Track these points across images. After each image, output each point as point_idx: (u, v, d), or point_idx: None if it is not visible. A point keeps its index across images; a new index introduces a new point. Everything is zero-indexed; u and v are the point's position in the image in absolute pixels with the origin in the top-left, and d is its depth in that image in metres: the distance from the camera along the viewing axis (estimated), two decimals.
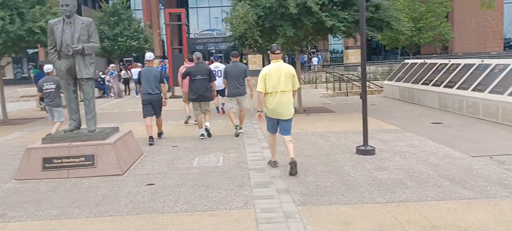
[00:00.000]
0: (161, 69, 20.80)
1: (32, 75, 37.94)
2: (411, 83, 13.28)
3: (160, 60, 23.34)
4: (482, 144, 7.01)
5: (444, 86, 11.36)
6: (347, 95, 16.22)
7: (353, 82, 18.05)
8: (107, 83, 19.66)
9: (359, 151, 6.48)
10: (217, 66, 11.94)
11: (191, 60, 10.61)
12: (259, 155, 6.72)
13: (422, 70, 13.38)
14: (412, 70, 14.01)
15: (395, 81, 14.66)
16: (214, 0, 46.74)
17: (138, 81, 8.21)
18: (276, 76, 5.53)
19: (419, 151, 6.56)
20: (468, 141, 7.28)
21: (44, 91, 8.70)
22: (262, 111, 5.76)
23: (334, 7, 10.80)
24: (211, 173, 5.68)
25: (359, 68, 24.64)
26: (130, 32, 23.15)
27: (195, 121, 8.97)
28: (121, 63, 35.09)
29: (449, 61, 12.40)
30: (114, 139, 5.95)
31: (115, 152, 5.68)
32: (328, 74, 20.38)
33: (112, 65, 19.81)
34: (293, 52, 14.37)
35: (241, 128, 8.67)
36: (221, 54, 45.17)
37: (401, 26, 11.33)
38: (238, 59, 8.96)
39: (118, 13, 23.26)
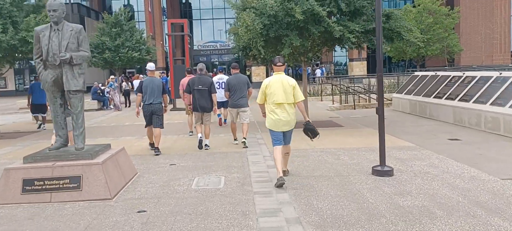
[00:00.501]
0: (162, 80, 20.33)
1: None
2: (423, 96, 12.66)
3: (160, 72, 22.85)
4: (511, 164, 6.37)
5: (459, 100, 10.73)
6: (355, 108, 15.61)
7: (360, 95, 17.44)
8: (106, 95, 19.15)
9: (376, 172, 5.86)
10: (221, 78, 11.82)
11: (189, 72, 10.95)
12: (265, 175, 6.11)
13: (433, 83, 12.77)
14: (423, 83, 13.40)
15: (405, 94, 14.05)
16: (217, 11, 46.56)
17: (139, 91, 8.06)
18: (276, 88, 5.54)
19: (442, 172, 5.92)
20: (493, 161, 6.63)
21: None
22: (265, 113, 5.86)
23: (342, 17, 10.27)
24: (211, 198, 5.06)
25: (365, 80, 24.10)
26: (132, 43, 22.71)
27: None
28: (123, 75, 34.78)
29: (463, 73, 11.79)
30: (104, 158, 5.35)
31: (104, 173, 5.08)
32: (334, 86, 19.75)
33: (112, 77, 19.31)
34: (299, 64, 13.86)
35: (244, 138, 8.45)
36: (225, 66, 44.83)
37: (412, 37, 10.75)
38: (238, 70, 8.92)
39: (120, 24, 22.86)
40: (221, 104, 11.26)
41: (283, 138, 5.71)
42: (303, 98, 5.89)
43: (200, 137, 8.32)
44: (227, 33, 23.83)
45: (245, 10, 10.91)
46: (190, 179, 5.98)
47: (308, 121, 5.89)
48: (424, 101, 12.38)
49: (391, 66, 47.00)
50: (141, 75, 23.01)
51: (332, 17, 10.50)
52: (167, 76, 19.95)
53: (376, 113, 6.00)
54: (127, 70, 39.24)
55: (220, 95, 11.23)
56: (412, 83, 14.10)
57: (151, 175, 6.26)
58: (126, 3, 46.47)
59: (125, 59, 22.34)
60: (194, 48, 43.91)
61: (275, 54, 10.93)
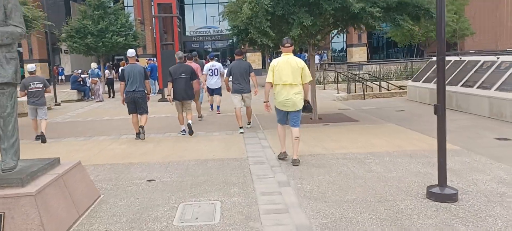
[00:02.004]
0: (148, 68, 18.48)
1: None
2: (447, 84, 10.98)
3: (148, 59, 20.94)
4: None
5: (497, 90, 9.09)
6: (364, 98, 13.92)
7: (370, 83, 15.74)
8: (88, 84, 17.29)
9: (434, 195, 4.17)
10: (214, 65, 11.66)
11: (190, 58, 10.51)
12: (277, 198, 4.41)
13: (459, 69, 11.11)
14: (446, 69, 11.71)
15: (422, 82, 12.38)
16: None
17: (122, 79, 8.06)
18: (284, 69, 5.62)
19: None
20: None
21: (30, 90, 8.44)
22: (268, 102, 5.98)
23: None
24: None
25: (369, 67, 22.40)
26: (117, 27, 20.74)
27: (198, 117, 10.04)
28: (111, 62, 32.74)
29: (498, 58, 10.13)
30: (42, 183, 3.62)
31: (38, 208, 3.36)
32: (337, 73, 18.04)
33: (94, 64, 17.41)
34: (304, 48, 12.12)
35: (249, 123, 8.91)
36: (218, 53, 42.91)
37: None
38: (242, 57, 8.98)
39: (103, 6, 20.86)
40: (212, 92, 11.36)
41: (290, 118, 5.81)
42: (311, 79, 6.02)
43: (184, 130, 8.39)
44: (221, 16, 21.94)
45: None
46: (173, 206, 4.27)
47: (307, 100, 5.95)
48: (449, 90, 10.69)
49: (389, 52, 45.31)
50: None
51: None
52: (156, 63, 18.08)
53: (435, 113, 4.28)
54: (115, 57, 37.18)
55: (212, 82, 11.28)
56: (431, 70, 12.43)
57: (119, 200, 4.53)
58: None
59: (109, 45, 20.41)
60: (186, 35, 41.85)
61: (281, 36, 9.18)
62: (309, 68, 10.53)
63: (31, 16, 9.33)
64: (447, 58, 12.49)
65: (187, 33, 42.45)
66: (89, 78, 17.30)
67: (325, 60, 37.16)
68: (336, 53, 45.38)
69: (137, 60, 18.15)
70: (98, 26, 20.24)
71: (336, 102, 13.54)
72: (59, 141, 8.45)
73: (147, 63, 19.65)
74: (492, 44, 30.99)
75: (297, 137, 5.73)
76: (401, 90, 14.37)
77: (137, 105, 7.96)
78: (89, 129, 9.92)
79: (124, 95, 8.01)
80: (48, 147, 7.91)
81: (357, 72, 20.04)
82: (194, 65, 10.11)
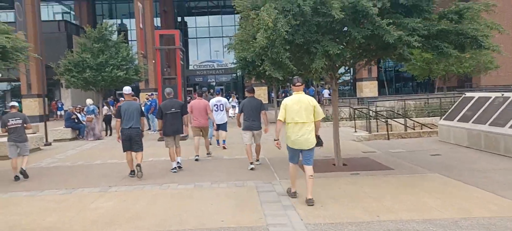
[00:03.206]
0: (151, 103, 17.20)
1: None
2: (490, 125, 9.55)
3: (149, 94, 19.68)
4: None
5: None
6: (389, 138, 12.44)
7: (391, 121, 14.29)
8: (83, 122, 15.94)
9: None
10: (219, 100, 11.53)
11: (200, 95, 10.29)
12: None
13: (504, 107, 9.68)
14: (484, 107, 10.30)
15: (457, 121, 10.93)
16: (214, 30, 43.91)
17: (118, 116, 7.89)
18: (296, 107, 5.69)
19: None
20: None
21: (9, 126, 8.27)
22: (279, 140, 5.93)
23: (396, 14, 7.20)
24: None
25: (377, 102, 20.99)
26: (117, 60, 19.59)
27: (206, 153, 10.07)
28: (111, 97, 31.57)
29: None
30: None
31: None
32: (354, 110, 16.65)
33: (89, 100, 16.11)
34: (323, 82, 10.84)
35: (257, 160, 8.78)
36: (222, 87, 41.90)
37: (490, 44, 7.64)
38: (253, 94, 8.82)
39: (104, 39, 19.80)
40: (218, 127, 11.18)
41: (303, 157, 5.80)
42: (324, 116, 6.16)
43: (175, 167, 8.35)
44: (227, 48, 20.84)
45: (254, 9, 7.89)
46: None
47: (318, 135, 5.90)
48: (496, 132, 9.24)
49: (397, 86, 44.08)
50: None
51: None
52: (156, 98, 16.79)
53: None
54: (117, 92, 36.07)
55: (217, 117, 11.07)
56: (467, 107, 11.00)
57: None
58: (120, 22, 43.86)
59: (109, 79, 19.18)
60: (190, 68, 40.99)
61: (301, 68, 7.85)
62: (332, 104, 9.22)
63: (12, 47, 8.08)
64: (484, 94, 11.10)
65: (191, 67, 41.66)
66: (86, 115, 15.97)
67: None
68: (346, 88, 44.26)
69: (134, 97, 16.88)
70: (98, 60, 19.11)
71: (357, 143, 12.07)
72: (34, 194, 6.97)
73: (147, 99, 18.41)
74: (510, 79, 29.68)
75: (311, 175, 5.68)
76: (430, 130, 12.91)
77: (132, 142, 7.79)
78: (75, 176, 8.45)
79: (121, 131, 7.84)
80: (18, 203, 6.44)
81: (373, 108, 18.65)
82: (204, 102, 9.96)
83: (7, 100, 36.66)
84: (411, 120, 14.58)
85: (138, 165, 7.68)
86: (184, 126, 8.69)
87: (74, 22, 38.80)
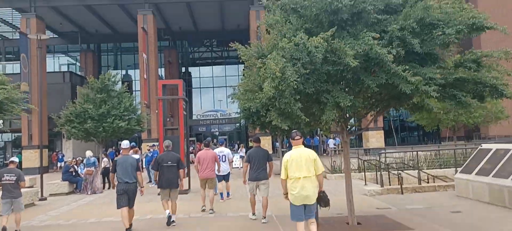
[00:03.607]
0: (152, 155, 16.66)
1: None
2: None
3: (150, 145, 19.20)
4: None
5: None
6: (402, 193, 11.73)
7: (404, 172, 13.57)
8: (81, 175, 15.33)
9: None
10: (222, 151, 11.26)
11: (207, 145, 10.14)
12: None
13: None
14: (505, 160, 9.69)
15: (476, 175, 10.28)
16: (218, 80, 44.12)
17: (113, 170, 7.92)
18: (297, 163, 5.72)
19: None
20: None
21: (3, 182, 8.25)
22: (287, 193, 5.84)
23: (413, 63, 6.80)
24: None
25: (385, 153, 20.33)
26: (120, 111, 19.31)
27: (210, 209, 9.55)
28: (113, 147, 31.06)
29: None
30: None
31: None
32: (364, 162, 15.99)
33: (89, 152, 15.61)
34: (328, 133, 10.43)
35: (264, 217, 8.37)
36: (226, 137, 41.44)
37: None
38: (259, 144, 8.78)
39: (107, 89, 19.63)
40: (221, 178, 11.06)
41: (306, 212, 5.75)
42: (324, 170, 6.29)
43: (169, 214, 8.34)
44: (231, 98, 20.54)
45: (260, 58, 7.56)
46: None
47: (323, 191, 5.93)
48: None
49: (402, 135, 43.45)
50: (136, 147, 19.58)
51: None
52: (158, 149, 16.27)
53: None
54: (119, 143, 35.55)
55: (221, 168, 10.76)
56: (485, 160, 10.39)
57: None
58: (124, 72, 44.25)
59: (110, 129, 18.82)
60: (193, 118, 40.74)
61: (311, 117, 7.37)
62: (344, 157, 8.64)
63: (6, 98, 7.72)
64: (502, 146, 10.52)
65: (194, 117, 41.42)
66: (84, 168, 15.38)
67: (338, 144, 35.34)
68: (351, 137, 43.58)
69: (135, 149, 16.45)
70: (100, 110, 18.82)
71: (369, 198, 11.36)
72: None
73: (149, 150, 17.90)
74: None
75: (313, 222, 5.80)
76: (445, 183, 12.21)
77: (129, 198, 7.71)
78: None
79: (116, 186, 7.79)
80: None
81: (382, 159, 17.98)
82: (211, 152, 9.83)
83: (8, 151, 36.25)
84: (423, 172, 13.87)
85: (128, 228, 7.72)
86: (179, 180, 8.66)
87: (79, 73, 39.12)
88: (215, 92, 44.13)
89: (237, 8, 32.53)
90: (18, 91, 8.78)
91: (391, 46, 6.33)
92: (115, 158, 8.87)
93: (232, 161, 12.26)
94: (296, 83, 6.20)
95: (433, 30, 6.36)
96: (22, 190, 13.07)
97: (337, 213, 8.80)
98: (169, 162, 8.33)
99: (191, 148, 32.44)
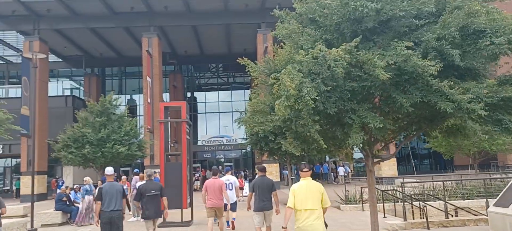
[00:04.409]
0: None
1: (14, 188, 32.84)
2: None
3: (153, 171, 18.14)
4: None
5: None
6: (428, 227, 10.52)
7: (426, 204, 12.30)
8: (76, 204, 14.24)
9: None
10: (229, 179, 11.10)
11: (215, 173, 9.88)
12: None
13: None
14: None
15: None
16: (224, 105, 43.33)
17: (98, 199, 7.54)
18: (304, 194, 5.67)
19: None
20: None
21: None
22: (286, 228, 5.79)
23: (452, 77, 5.79)
24: None
25: (397, 181, 19.08)
26: (120, 135, 18.38)
27: None
28: (114, 174, 29.99)
29: None
30: None
31: None
32: (382, 193, 14.77)
33: (87, 178, 14.57)
34: (350, 160, 9.38)
35: None
36: (231, 164, 40.31)
37: None
38: (265, 173, 8.64)
39: (107, 112, 18.77)
40: (230, 207, 10.81)
41: None
42: (330, 204, 5.92)
43: None
44: (237, 123, 19.57)
45: (272, 74, 6.61)
46: None
47: (324, 221, 5.81)
48: None
49: (415, 162, 42.02)
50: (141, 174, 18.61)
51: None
52: (158, 176, 15.20)
53: None
54: (121, 168, 34.48)
55: (228, 197, 10.36)
56: None
57: None
58: (129, 97, 43.66)
59: (109, 155, 17.82)
60: (198, 144, 39.73)
61: (331, 142, 6.34)
62: (368, 187, 7.56)
63: None
64: None
65: (199, 142, 40.40)
66: (81, 197, 14.30)
67: (349, 172, 34.05)
68: (360, 165, 42.30)
69: (136, 174, 15.49)
70: (99, 135, 17.88)
71: None
72: None
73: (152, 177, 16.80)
74: None
75: None
76: (475, 217, 11.01)
77: (113, 226, 7.45)
78: None
79: (100, 215, 7.49)
80: None
81: (399, 189, 16.75)
82: (219, 181, 9.51)
83: (6, 177, 35.29)
84: (448, 203, 12.64)
85: None
86: (163, 208, 8.55)
87: (83, 97, 38.52)
88: (221, 117, 43.28)
89: (244, 32, 32.01)
90: (1, 112, 7.86)
91: (427, 59, 5.36)
92: (99, 186, 8.47)
93: (243, 187, 11.59)
94: (314, 102, 5.22)
95: (478, 40, 5.39)
96: (9, 220, 12.14)
97: None
98: (152, 191, 8.26)
99: (196, 175, 31.38)
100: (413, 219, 11.40)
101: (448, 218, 11.34)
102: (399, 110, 5.76)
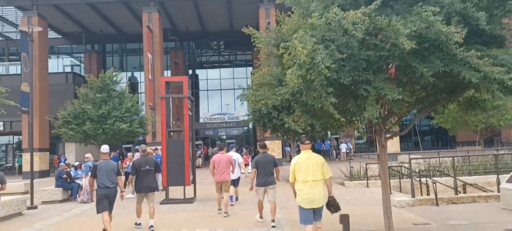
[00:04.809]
0: (156, 158, 15.35)
1: (16, 165, 32.78)
2: None
3: (154, 148, 17.90)
4: None
5: None
6: (437, 204, 10.25)
7: (433, 180, 12.02)
8: (80, 180, 14.01)
9: None
10: (232, 156, 10.68)
11: (221, 148, 10.22)
12: None
13: None
14: None
15: None
16: (226, 82, 42.83)
17: (93, 175, 7.76)
18: (305, 166, 5.76)
19: None
20: None
21: None
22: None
23: (477, 45, 5.37)
24: None
25: (401, 158, 18.80)
26: (121, 112, 18.03)
27: (224, 212, 9.58)
28: (117, 151, 29.85)
29: None
30: None
31: None
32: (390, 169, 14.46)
33: (88, 155, 14.29)
34: (364, 135, 8.94)
35: (273, 221, 8.26)
36: (233, 141, 40.11)
37: None
38: (266, 150, 8.85)
39: (107, 88, 18.38)
40: (232, 182, 10.61)
41: (314, 215, 5.79)
42: (331, 175, 5.93)
43: (139, 223, 8.54)
44: (240, 99, 19.19)
45: (279, 44, 6.21)
46: None
47: (332, 196, 5.97)
48: None
49: (415, 138, 41.63)
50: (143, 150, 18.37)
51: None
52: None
53: None
54: (123, 146, 34.31)
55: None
56: None
57: None
58: (130, 74, 43.17)
59: (111, 132, 17.52)
60: (200, 121, 39.43)
61: (349, 115, 5.97)
62: (381, 164, 7.23)
63: None
64: None
65: (201, 120, 40.10)
66: (83, 174, 14.05)
67: (351, 149, 33.81)
68: (361, 142, 42.00)
69: (138, 150, 15.15)
70: (99, 111, 17.54)
71: (400, 210, 9.90)
72: None
73: (154, 153, 16.57)
74: None
75: (320, 227, 5.98)
76: (485, 194, 10.73)
77: (110, 202, 7.67)
78: None
79: (96, 191, 7.73)
80: None
81: (404, 166, 16.46)
82: (226, 156, 9.86)
83: (8, 155, 35.18)
84: (459, 179, 12.33)
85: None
86: (158, 184, 8.79)
87: (83, 74, 38.03)
88: (223, 95, 42.85)
89: (246, 7, 31.24)
90: None
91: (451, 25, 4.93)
92: (96, 163, 8.54)
93: (242, 165, 11.36)
94: (329, 71, 4.82)
95: (508, 1, 4.94)
96: (8, 197, 11.93)
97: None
98: (147, 166, 8.40)
99: (198, 152, 31.15)
100: (421, 195, 11.11)
101: (457, 194, 11.04)
102: (418, 81, 5.36)
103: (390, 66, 5.74)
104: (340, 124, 6.42)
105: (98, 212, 7.62)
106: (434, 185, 10.45)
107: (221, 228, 8.39)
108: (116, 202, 7.94)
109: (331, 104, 4.99)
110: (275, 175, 8.50)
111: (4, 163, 35.06)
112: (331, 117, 5.34)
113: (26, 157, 28.10)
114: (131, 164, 14.69)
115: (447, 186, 12.36)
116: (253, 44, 7.10)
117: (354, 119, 5.89)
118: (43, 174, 26.90)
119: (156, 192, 8.87)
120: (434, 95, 6.35)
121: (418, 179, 11.60)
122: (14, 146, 35.03)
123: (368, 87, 5.24)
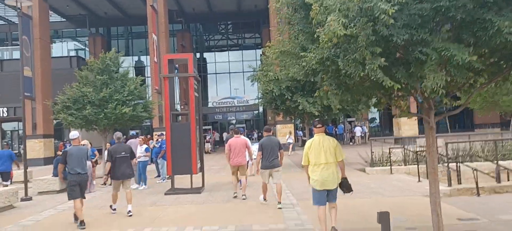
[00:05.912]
0: (160, 146, 14.27)
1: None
2: None
3: (159, 133, 16.74)
4: None
5: None
6: (478, 194, 8.97)
7: (463, 165, 10.71)
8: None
9: None
10: None
11: (236, 132, 10.11)
12: None
13: None
14: None
15: None
16: (234, 65, 41.53)
17: (63, 162, 7.68)
18: (317, 149, 5.83)
19: None
20: None
21: None
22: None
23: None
24: None
25: (419, 141, 17.48)
26: (123, 95, 16.85)
27: (242, 195, 9.69)
28: (124, 137, 28.85)
29: None
30: None
31: None
32: (415, 153, 13.21)
33: (84, 142, 13.14)
34: (409, 116, 7.79)
35: (279, 202, 8.40)
36: (244, 126, 38.99)
37: None
38: (271, 133, 9.00)
39: (109, 70, 17.18)
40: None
41: (327, 196, 5.88)
42: (344, 157, 6.02)
43: (115, 208, 8.68)
44: (251, 80, 17.91)
45: (294, 14, 4.93)
46: None
47: (345, 177, 6.03)
48: None
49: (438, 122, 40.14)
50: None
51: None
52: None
53: None
54: (131, 131, 33.31)
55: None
56: None
57: None
58: (136, 59, 42.09)
59: (113, 116, 16.35)
60: (208, 106, 38.28)
61: (382, 93, 4.70)
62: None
63: None
64: None
65: (210, 104, 38.93)
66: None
67: (366, 132, 32.47)
68: (375, 124, 40.59)
69: (138, 135, 14.15)
70: (100, 94, 16.37)
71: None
72: None
73: (157, 140, 15.49)
74: None
75: (334, 206, 5.98)
76: None
77: (82, 189, 7.68)
78: None
79: (66, 177, 7.76)
80: None
81: (444, 150, 15.08)
82: (242, 140, 9.85)
83: (13, 141, 34.49)
84: (499, 164, 11.00)
85: (82, 221, 7.53)
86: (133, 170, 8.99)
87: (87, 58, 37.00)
88: (232, 78, 41.60)
89: None
90: None
91: None
92: (66, 149, 8.68)
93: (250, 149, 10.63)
94: (381, 26, 3.55)
95: None
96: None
97: (407, 228, 6.24)
98: (122, 153, 8.46)
99: (207, 137, 30.06)
100: (460, 184, 9.82)
101: (499, 182, 9.75)
102: (490, 41, 4.05)
103: (448, 23, 4.42)
104: (379, 101, 5.16)
105: (70, 199, 7.59)
106: (475, 172, 9.14)
107: (233, 224, 7.24)
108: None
109: (379, 68, 3.72)
110: (279, 158, 8.53)
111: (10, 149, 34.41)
112: (376, 88, 4.07)
113: (29, 144, 27.33)
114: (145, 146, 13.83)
115: (482, 172, 11.07)
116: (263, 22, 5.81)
117: (409, 88, 4.56)
118: (48, 161, 26.11)
119: (132, 178, 9.04)
120: (497, 64, 5.01)
121: (455, 165, 10.25)
122: (19, 132, 34.32)
123: (427, 49, 3.95)
